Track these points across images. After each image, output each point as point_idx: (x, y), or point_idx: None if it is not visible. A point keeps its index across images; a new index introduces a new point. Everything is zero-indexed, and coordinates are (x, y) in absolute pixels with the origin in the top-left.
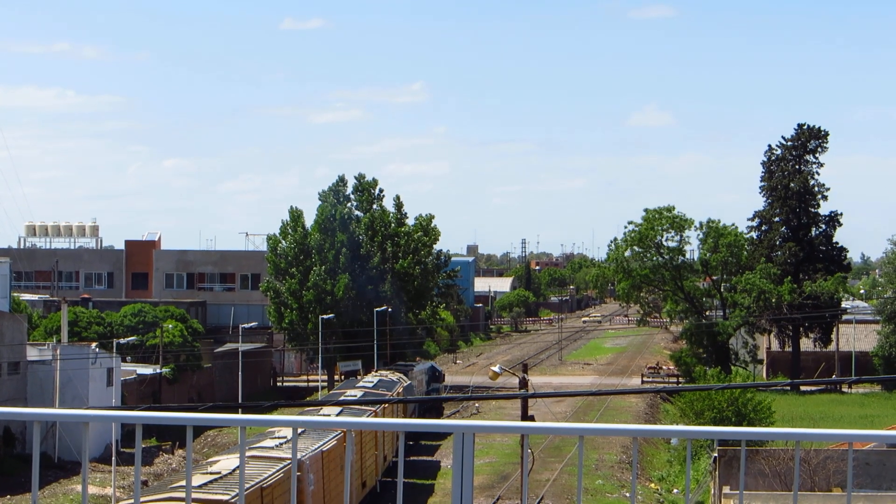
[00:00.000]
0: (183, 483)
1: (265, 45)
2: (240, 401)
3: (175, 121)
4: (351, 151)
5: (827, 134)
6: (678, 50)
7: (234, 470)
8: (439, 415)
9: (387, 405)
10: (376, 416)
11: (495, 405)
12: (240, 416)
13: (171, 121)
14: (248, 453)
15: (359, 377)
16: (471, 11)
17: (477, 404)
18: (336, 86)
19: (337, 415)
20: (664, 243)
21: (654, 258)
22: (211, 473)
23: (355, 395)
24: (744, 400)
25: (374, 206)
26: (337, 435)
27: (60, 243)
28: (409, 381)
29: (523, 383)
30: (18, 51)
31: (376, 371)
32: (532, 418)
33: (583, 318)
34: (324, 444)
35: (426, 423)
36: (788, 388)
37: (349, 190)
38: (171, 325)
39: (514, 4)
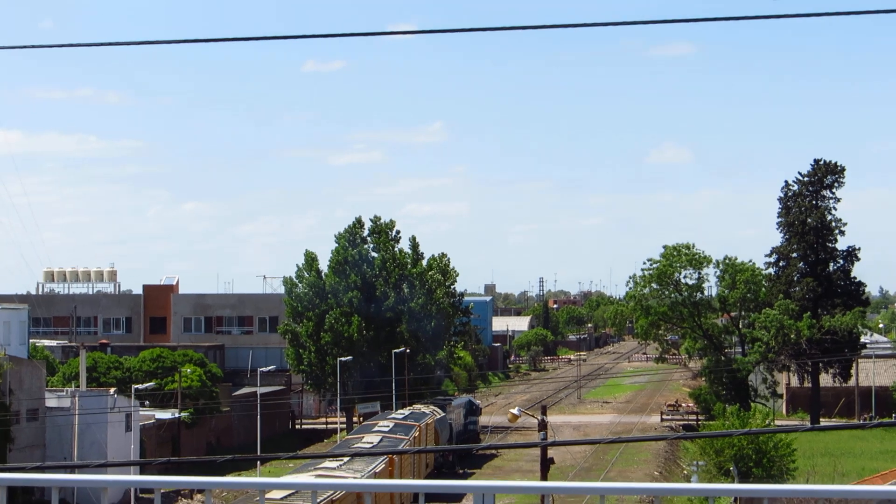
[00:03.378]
0: (324, 463)
1: (287, 88)
2: (258, 445)
3: (195, 164)
4: (370, 192)
5: (843, 169)
6: (696, 87)
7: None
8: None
9: (421, 432)
10: (416, 441)
11: None
12: (258, 479)
13: (190, 164)
14: (314, 472)
15: (380, 412)
16: (490, 51)
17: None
18: (356, 127)
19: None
20: (682, 280)
21: (673, 295)
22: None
23: (387, 426)
24: (764, 437)
25: (391, 248)
26: (384, 459)
27: (79, 288)
28: (442, 414)
29: (542, 425)
30: (42, 97)
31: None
32: (552, 461)
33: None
34: (375, 466)
35: (446, 484)
36: (808, 423)
37: (366, 232)
38: (189, 370)
39: (533, 43)
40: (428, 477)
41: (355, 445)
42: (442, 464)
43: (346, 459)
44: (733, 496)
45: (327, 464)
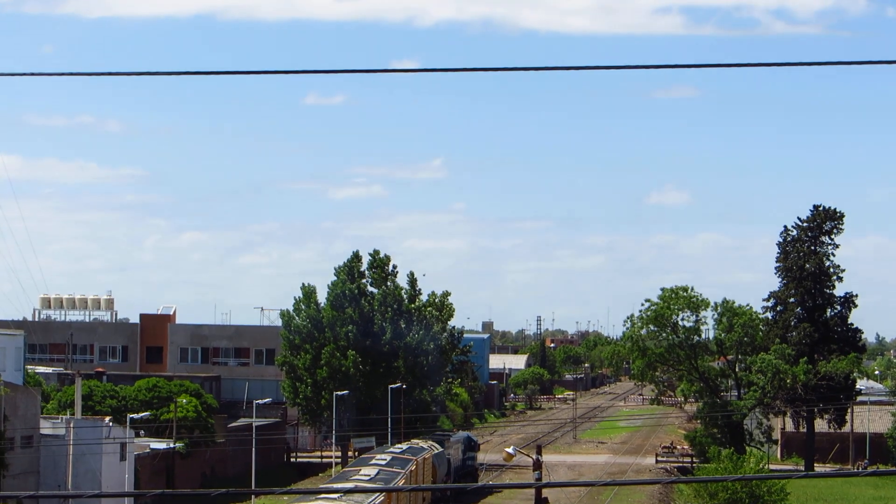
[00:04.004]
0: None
1: (288, 120)
2: (253, 477)
3: (194, 194)
4: (369, 227)
5: (842, 215)
6: (697, 130)
7: None
8: (474, 480)
9: (418, 466)
10: (410, 481)
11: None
12: None
13: (190, 194)
14: (315, 501)
15: (375, 447)
16: (491, 90)
17: (490, 482)
18: (357, 161)
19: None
20: (680, 323)
21: (670, 337)
22: None
23: (384, 459)
24: (758, 481)
25: (388, 283)
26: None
27: (75, 316)
28: (440, 450)
29: (537, 465)
30: (41, 124)
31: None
32: (546, 500)
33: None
34: (375, 498)
35: None
36: (803, 468)
37: (364, 266)
38: (185, 400)
39: (536, 84)
40: None
41: (353, 477)
42: (439, 498)
43: (340, 496)
44: None
45: (327, 494)
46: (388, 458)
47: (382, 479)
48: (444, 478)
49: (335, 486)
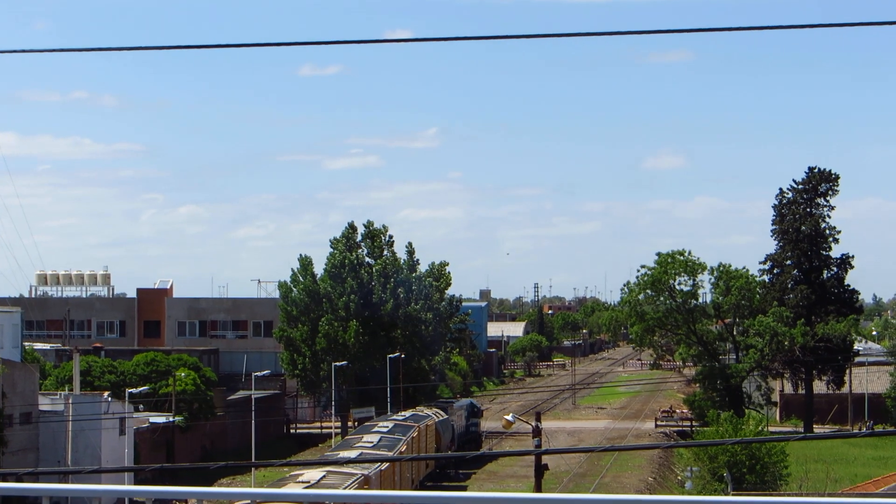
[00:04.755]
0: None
1: (283, 92)
2: (253, 450)
3: (190, 168)
4: (365, 197)
5: (837, 177)
6: (693, 93)
7: (319, 480)
8: (478, 447)
9: (420, 433)
10: (412, 447)
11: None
12: (251, 490)
13: (186, 168)
14: (329, 468)
15: (374, 417)
16: (486, 57)
17: (489, 450)
18: (352, 132)
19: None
20: (677, 287)
21: (667, 302)
22: (302, 482)
23: (386, 427)
24: (757, 444)
25: (385, 253)
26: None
27: (72, 292)
28: (444, 416)
29: (536, 432)
30: (35, 99)
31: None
32: (546, 467)
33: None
34: (380, 465)
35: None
36: (802, 430)
37: (360, 237)
38: (183, 374)
39: (530, 49)
40: (428, 476)
41: (355, 445)
42: (444, 464)
43: (344, 461)
44: None
45: (324, 465)
46: (391, 425)
47: (384, 446)
48: (448, 444)
49: (338, 455)
